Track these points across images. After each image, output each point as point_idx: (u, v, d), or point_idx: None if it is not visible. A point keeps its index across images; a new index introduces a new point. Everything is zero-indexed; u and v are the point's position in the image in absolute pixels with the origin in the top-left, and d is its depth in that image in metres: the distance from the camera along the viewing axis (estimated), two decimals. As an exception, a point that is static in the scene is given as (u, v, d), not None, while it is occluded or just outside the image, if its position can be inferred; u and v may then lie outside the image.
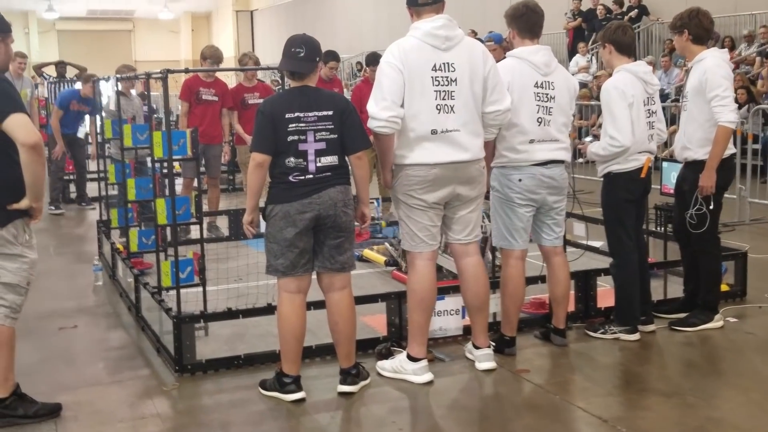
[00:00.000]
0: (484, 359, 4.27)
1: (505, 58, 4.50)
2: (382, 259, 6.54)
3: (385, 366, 4.26)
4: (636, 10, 15.42)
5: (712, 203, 4.69)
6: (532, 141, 4.34)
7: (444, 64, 3.98)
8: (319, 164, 3.85)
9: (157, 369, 4.45)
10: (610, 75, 4.75)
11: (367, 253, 6.79)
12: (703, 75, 4.61)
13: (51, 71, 13.22)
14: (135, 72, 6.42)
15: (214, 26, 37.49)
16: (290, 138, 3.83)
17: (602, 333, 4.71)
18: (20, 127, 3.44)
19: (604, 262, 6.23)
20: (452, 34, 4.02)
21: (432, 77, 3.95)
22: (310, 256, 3.94)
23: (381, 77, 3.98)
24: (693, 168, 4.73)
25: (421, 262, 4.14)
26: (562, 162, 4.45)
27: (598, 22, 16.04)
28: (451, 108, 3.98)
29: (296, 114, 3.84)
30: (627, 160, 4.60)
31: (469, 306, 4.32)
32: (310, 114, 3.85)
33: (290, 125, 3.83)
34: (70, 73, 12.86)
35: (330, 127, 3.87)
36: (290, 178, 3.84)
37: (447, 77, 3.98)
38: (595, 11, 16.21)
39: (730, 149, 4.77)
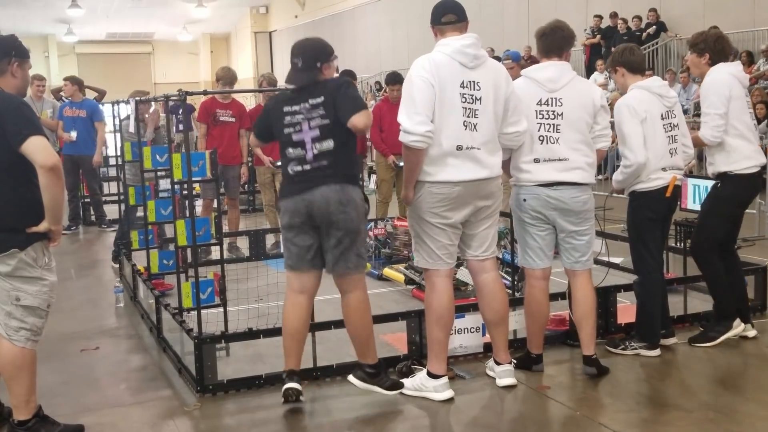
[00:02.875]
0: (505, 375, 4.25)
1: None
2: (401, 277, 6.54)
3: (406, 384, 4.26)
4: (654, 27, 15.40)
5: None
6: (536, 160, 4.28)
7: (470, 81, 3.99)
8: (315, 151, 3.88)
9: (178, 390, 4.47)
10: (622, 95, 4.76)
11: (387, 272, 6.79)
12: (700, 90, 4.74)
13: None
14: (148, 95, 6.46)
15: (233, 47, 37.84)
16: (285, 131, 3.95)
17: (623, 349, 4.67)
18: (39, 150, 3.49)
19: (624, 278, 6.22)
20: (479, 53, 4.06)
21: (460, 94, 3.97)
22: (314, 254, 3.99)
23: (413, 90, 3.94)
24: (723, 180, 4.76)
25: (439, 280, 4.14)
26: (576, 184, 4.30)
27: (619, 37, 16.00)
28: (475, 126, 3.99)
29: (293, 107, 3.95)
30: (650, 178, 4.54)
31: (488, 322, 4.31)
32: (303, 105, 3.92)
33: (285, 118, 3.95)
34: (89, 95, 13.02)
35: (322, 113, 3.90)
36: (289, 169, 3.96)
37: (473, 95, 3.99)
38: (615, 28, 16.18)
39: (753, 163, 4.74)
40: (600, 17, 16.38)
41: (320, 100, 3.93)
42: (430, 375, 4.16)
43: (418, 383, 4.19)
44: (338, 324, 4.25)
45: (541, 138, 4.27)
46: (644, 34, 15.42)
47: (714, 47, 4.78)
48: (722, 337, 4.74)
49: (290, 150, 3.98)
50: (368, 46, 26.33)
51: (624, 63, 4.68)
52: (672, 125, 4.60)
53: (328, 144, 3.91)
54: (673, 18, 15.34)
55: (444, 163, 3.97)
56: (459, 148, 3.97)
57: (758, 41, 13.14)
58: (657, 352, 4.62)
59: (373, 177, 10.53)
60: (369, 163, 11.95)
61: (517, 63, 7.61)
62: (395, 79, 8.14)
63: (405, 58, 23.23)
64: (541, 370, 4.47)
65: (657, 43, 15.23)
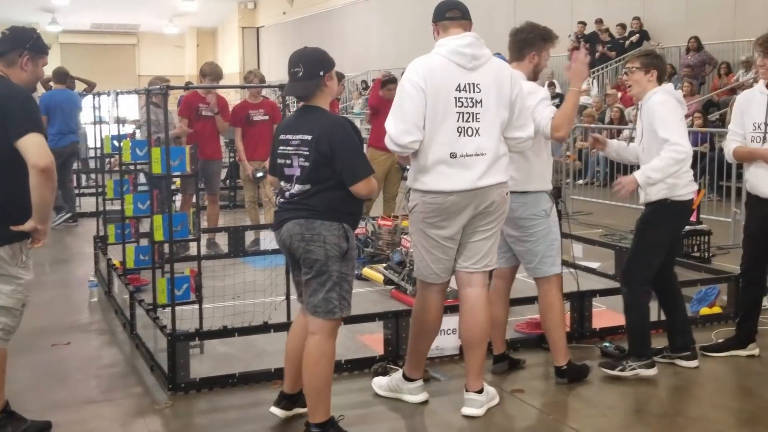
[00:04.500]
0: (470, 404, 3.96)
1: None
2: (381, 277, 6.52)
3: (381, 384, 4.23)
4: (637, 35, 15.48)
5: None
6: None
7: (469, 84, 3.80)
8: (294, 191, 3.58)
9: (150, 387, 4.42)
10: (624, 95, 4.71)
11: (366, 271, 6.77)
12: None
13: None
14: (168, 83, 6.18)
15: (220, 42, 37.68)
16: (279, 160, 3.67)
17: (621, 370, 4.39)
18: (35, 148, 3.42)
19: (599, 282, 6.25)
20: (479, 53, 3.85)
21: (456, 98, 3.77)
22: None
23: (403, 96, 3.79)
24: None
25: (430, 294, 4.02)
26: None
27: (601, 44, 16.09)
28: (476, 131, 3.80)
29: (287, 136, 3.62)
30: (685, 186, 4.37)
31: (463, 341, 4.07)
32: (296, 137, 3.58)
33: (280, 147, 3.66)
34: (79, 87, 12.91)
35: (305, 153, 3.53)
36: (277, 201, 3.75)
37: (472, 98, 3.80)
38: (598, 35, 16.25)
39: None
40: (584, 24, 16.43)
41: (309, 137, 3.53)
42: (406, 378, 4.13)
43: (393, 384, 4.17)
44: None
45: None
46: (627, 42, 15.50)
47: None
48: (631, 373, 4.42)
49: (282, 183, 3.67)
50: (356, 45, 26.28)
51: (659, 68, 4.44)
52: None
53: (306, 187, 3.55)
54: (656, 27, 15.43)
55: (437, 172, 3.80)
56: (453, 155, 3.78)
57: (738, 52, 13.25)
58: (655, 371, 4.43)
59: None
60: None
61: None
62: (395, 80, 8.20)
63: (393, 58, 23.20)
64: (498, 372, 4.49)
65: (641, 51, 15.30)
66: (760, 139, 4.31)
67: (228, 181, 11.53)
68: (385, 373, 4.41)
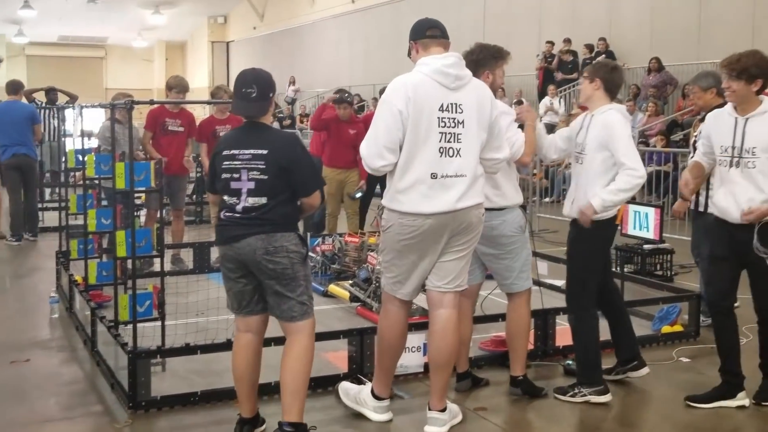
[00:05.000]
0: (433, 423, 3.95)
1: None
2: (347, 294, 6.50)
3: (348, 392, 4.20)
4: (603, 56, 15.71)
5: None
6: None
7: (452, 104, 3.78)
8: (246, 204, 3.65)
9: (110, 405, 4.36)
10: (565, 121, 4.73)
11: (332, 288, 6.75)
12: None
13: (41, 97, 13.12)
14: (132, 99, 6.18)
15: (189, 56, 37.52)
16: (224, 175, 3.72)
17: (571, 396, 4.40)
18: None
19: (564, 300, 6.25)
20: (462, 73, 3.85)
21: (438, 118, 3.75)
22: (253, 298, 3.79)
23: (378, 117, 3.79)
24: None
25: (394, 308, 3.99)
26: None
27: (565, 65, 16.31)
28: (457, 151, 3.78)
29: (232, 151, 3.70)
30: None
31: (430, 361, 4.06)
32: (246, 152, 3.67)
33: (224, 162, 3.72)
34: (61, 99, 12.77)
35: (261, 167, 3.64)
36: (221, 215, 3.77)
37: (454, 118, 3.78)
38: (563, 56, 16.46)
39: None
40: (552, 43, 16.64)
41: (264, 152, 3.65)
42: (374, 395, 4.10)
43: (360, 397, 4.14)
44: (278, 341, 4.19)
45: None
46: (598, 59, 15.73)
47: (766, 72, 4.19)
48: (581, 399, 4.39)
49: (226, 197, 3.74)
50: (327, 61, 26.33)
51: (606, 79, 4.42)
52: None
53: (261, 200, 3.65)
54: (621, 48, 15.67)
55: (416, 192, 3.76)
56: (433, 176, 3.75)
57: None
58: (608, 397, 4.38)
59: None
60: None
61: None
62: (341, 100, 8.47)
63: (362, 75, 23.33)
64: (461, 390, 4.51)
65: (607, 71, 15.52)
66: (727, 162, 4.24)
67: (194, 196, 11.46)
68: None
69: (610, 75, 4.43)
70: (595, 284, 4.45)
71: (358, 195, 8.60)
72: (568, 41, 16.42)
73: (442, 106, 3.77)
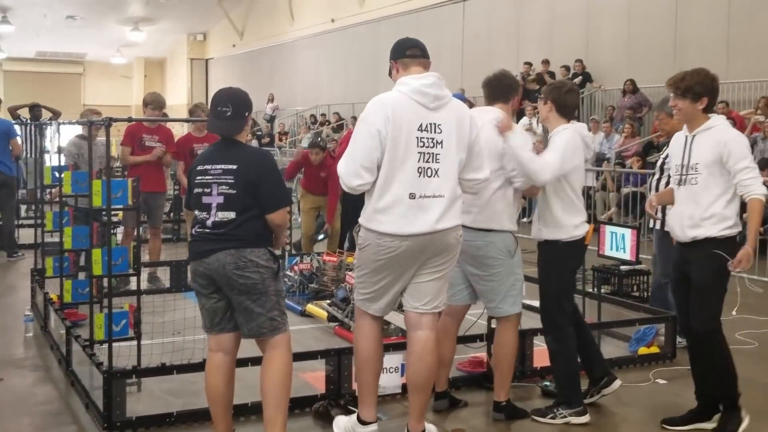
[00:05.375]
0: None
1: None
2: (324, 314, 6.48)
3: (339, 423, 4.14)
4: (581, 77, 15.89)
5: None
6: None
7: (431, 124, 3.77)
8: (216, 219, 3.67)
9: (84, 426, 4.31)
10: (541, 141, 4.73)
11: (310, 308, 6.73)
12: (725, 146, 4.10)
13: (25, 113, 13.02)
14: (100, 116, 6.21)
15: (168, 73, 37.43)
16: (196, 190, 3.76)
17: (551, 418, 4.38)
18: None
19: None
20: (442, 93, 3.83)
21: (417, 137, 3.74)
22: (225, 315, 3.78)
23: (357, 136, 3.79)
24: (707, 246, 4.14)
25: (367, 322, 3.97)
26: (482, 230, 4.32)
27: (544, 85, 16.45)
28: (435, 172, 3.77)
29: (205, 167, 3.75)
30: (577, 228, 4.39)
31: (408, 383, 4.02)
32: (217, 167, 3.71)
33: (197, 177, 3.76)
34: (45, 115, 12.68)
35: (230, 181, 3.67)
36: (193, 230, 3.79)
37: (432, 139, 3.76)
38: (543, 76, 16.62)
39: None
40: (530, 64, 16.80)
41: (233, 167, 3.68)
42: (360, 420, 4.01)
43: (349, 426, 4.06)
44: (255, 361, 4.17)
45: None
46: (553, 81, 15.91)
47: (713, 91, 4.22)
48: (561, 421, 4.39)
49: (197, 212, 3.76)
50: (306, 79, 26.39)
51: (558, 101, 4.46)
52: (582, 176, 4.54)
53: (230, 215, 3.66)
54: (598, 69, 15.85)
55: (395, 213, 3.74)
56: (412, 196, 3.74)
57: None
58: (586, 418, 4.39)
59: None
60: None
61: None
62: (314, 145, 8.60)
63: (341, 94, 23.41)
64: (439, 409, 4.50)
65: (582, 93, 15.70)
66: (677, 181, 4.28)
67: (171, 214, 11.39)
68: (326, 412, 4.36)
69: (561, 97, 4.46)
70: (570, 304, 4.47)
71: (321, 237, 8.76)
72: (546, 62, 16.58)
73: (420, 126, 3.76)
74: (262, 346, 3.79)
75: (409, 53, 3.91)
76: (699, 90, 4.13)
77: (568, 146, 4.32)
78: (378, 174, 3.76)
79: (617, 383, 4.63)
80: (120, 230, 7.53)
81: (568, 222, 4.38)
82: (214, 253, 3.67)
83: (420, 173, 3.75)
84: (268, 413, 3.72)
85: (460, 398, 4.66)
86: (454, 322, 4.52)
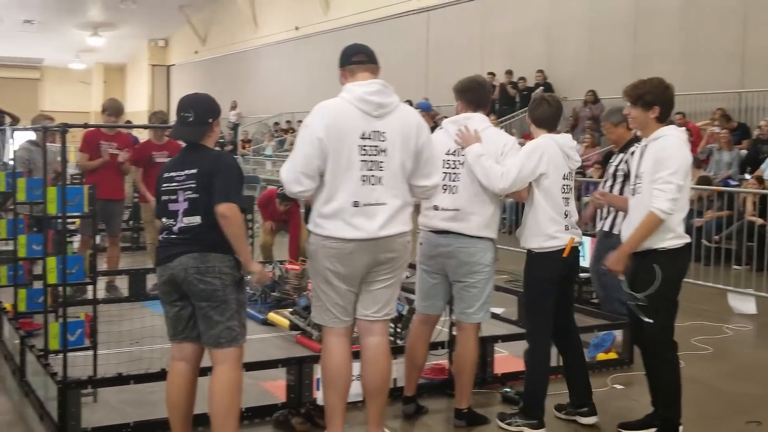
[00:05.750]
0: None
1: (432, 125, 4.51)
2: (286, 323, 6.44)
3: None
4: (542, 88, 16.07)
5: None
6: (435, 207, 4.32)
7: (374, 132, 3.74)
8: (182, 224, 3.65)
9: (38, 437, 4.22)
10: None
11: (271, 316, 6.68)
12: (661, 154, 4.07)
13: None
14: (53, 122, 6.13)
15: (129, 79, 37.08)
16: (163, 197, 3.73)
17: (507, 424, 4.39)
18: None
19: (502, 328, 6.35)
20: (386, 101, 3.79)
21: (360, 146, 3.71)
22: (188, 324, 3.73)
23: (299, 143, 3.77)
24: (649, 258, 4.11)
25: (333, 339, 3.89)
26: (464, 235, 4.31)
27: (506, 96, 16.61)
28: (379, 179, 3.74)
29: (171, 174, 3.72)
30: (550, 237, 4.33)
31: (364, 390, 3.99)
32: (182, 173, 3.69)
33: (163, 185, 3.73)
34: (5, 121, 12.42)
35: (193, 186, 3.64)
36: (160, 237, 3.77)
37: (376, 146, 3.74)
38: (505, 86, 16.79)
39: (684, 238, 4.17)
40: (493, 74, 16.95)
41: (194, 171, 3.65)
42: None
43: None
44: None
45: (444, 187, 4.29)
46: (532, 95, 16.06)
47: (665, 99, 4.19)
48: (515, 429, 4.39)
49: (165, 219, 3.72)
50: (269, 87, 26.32)
51: (530, 115, 4.51)
52: (568, 187, 4.45)
53: (195, 219, 3.63)
54: (560, 80, 16.06)
55: (339, 219, 3.73)
56: (356, 204, 3.72)
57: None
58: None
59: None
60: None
61: (427, 112, 7.75)
62: (284, 197, 8.36)
63: (305, 101, 23.28)
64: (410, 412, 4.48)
65: (545, 102, 15.88)
66: (630, 190, 4.29)
67: (130, 222, 11.25)
68: (286, 421, 4.33)
69: (533, 111, 4.48)
70: (542, 318, 4.39)
71: None
72: (509, 73, 16.75)
73: (363, 134, 3.73)
74: (212, 358, 3.71)
75: (355, 60, 3.88)
76: (650, 99, 4.12)
77: (533, 155, 4.31)
78: (321, 180, 3.76)
79: (593, 419, 4.52)
80: (77, 238, 7.41)
81: (538, 231, 4.36)
82: (177, 256, 3.63)
83: (364, 181, 3.73)
84: (215, 431, 3.66)
85: (423, 404, 4.65)
86: (429, 329, 4.54)
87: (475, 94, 4.46)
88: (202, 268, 3.60)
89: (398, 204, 3.82)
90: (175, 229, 3.68)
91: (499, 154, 4.32)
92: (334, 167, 3.72)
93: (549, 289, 4.37)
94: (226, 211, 3.56)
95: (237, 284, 3.68)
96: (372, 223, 3.74)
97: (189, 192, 3.65)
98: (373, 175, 3.75)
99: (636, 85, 4.20)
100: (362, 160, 3.73)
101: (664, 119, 4.18)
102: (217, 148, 3.90)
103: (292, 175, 3.75)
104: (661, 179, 3.99)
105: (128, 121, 8.95)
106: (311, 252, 3.88)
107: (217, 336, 3.64)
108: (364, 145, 3.73)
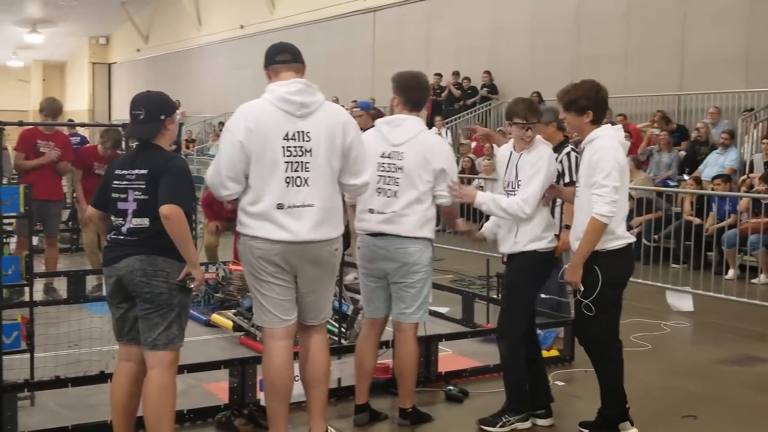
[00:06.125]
0: None
1: (372, 126, 4.41)
2: (230, 324, 6.37)
3: None
4: (487, 89, 16.25)
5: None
6: (371, 211, 4.28)
7: (298, 132, 3.67)
8: (131, 225, 3.59)
9: (-29, 443, 4.10)
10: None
11: (215, 317, 6.61)
12: (593, 156, 4.09)
13: None
14: None
15: (69, 77, 36.31)
16: (113, 195, 3.66)
17: (501, 426, 4.35)
18: None
19: (446, 327, 6.38)
20: (309, 101, 3.71)
21: (283, 147, 3.64)
22: (135, 325, 3.67)
23: (222, 147, 3.73)
24: (589, 260, 4.12)
25: (272, 342, 3.81)
26: (399, 236, 4.26)
27: (452, 96, 16.71)
28: (305, 181, 3.67)
29: (123, 171, 3.65)
30: (552, 240, 4.38)
31: (303, 383, 3.98)
32: (132, 172, 3.62)
33: (114, 182, 3.66)
34: None
35: (142, 187, 3.58)
36: (108, 237, 3.70)
37: (301, 147, 3.66)
38: (450, 88, 16.87)
39: (623, 239, 4.18)
40: (440, 75, 17.05)
41: (144, 172, 3.59)
42: None
43: None
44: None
45: (379, 190, 4.25)
46: (477, 96, 16.24)
47: (598, 102, 4.18)
48: (510, 428, 4.39)
49: (113, 218, 3.66)
50: (214, 86, 26.03)
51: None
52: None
53: (144, 222, 3.57)
54: (505, 81, 16.24)
55: (265, 219, 3.67)
56: (280, 206, 3.66)
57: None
58: (529, 423, 4.41)
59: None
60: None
61: (367, 112, 7.72)
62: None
63: (250, 100, 23.15)
64: (360, 423, 4.43)
65: (490, 104, 16.06)
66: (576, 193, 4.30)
67: (70, 223, 11.00)
68: (229, 423, 4.29)
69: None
70: (528, 314, 4.44)
71: None
72: (456, 74, 16.86)
73: (287, 135, 3.66)
74: (147, 361, 3.64)
75: (279, 59, 3.81)
76: (583, 103, 4.11)
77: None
78: (247, 182, 3.70)
79: (550, 421, 4.52)
80: (14, 239, 7.22)
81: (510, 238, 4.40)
82: (124, 258, 3.58)
83: (288, 183, 3.66)
84: None
85: (380, 411, 4.56)
86: (375, 334, 4.49)
87: (414, 95, 4.36)
88: (149, 271, 3.54)
89: (326, 205, 3.75)
90: (123, 229, 3.61)
91: (437, 169, 4.25)
92: (258, 170, 3.66)
93: (516, 293, 4.42)
94: (168, 212, 3.49)
95: (183, 289, 3.62)
96: (300, 225, 3.68)
97: (138, 193, 3.58)
98: (298, 177, 3.68)
99: (567, 90, 4.19)
100: (286, 162, 3.66)
101: (599, 121, 4.18)
102: (174, 146, 3.84)
103: (217, 179, 3.71)
104: (597, 184, 4.01)
105: (70, 119, 8.76)
106: (241, 252, 3.83)
107: (155, 338, 3.58)
108: (288, 146, 3.66)
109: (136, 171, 3.61)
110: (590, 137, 4.14)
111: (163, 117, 3.69)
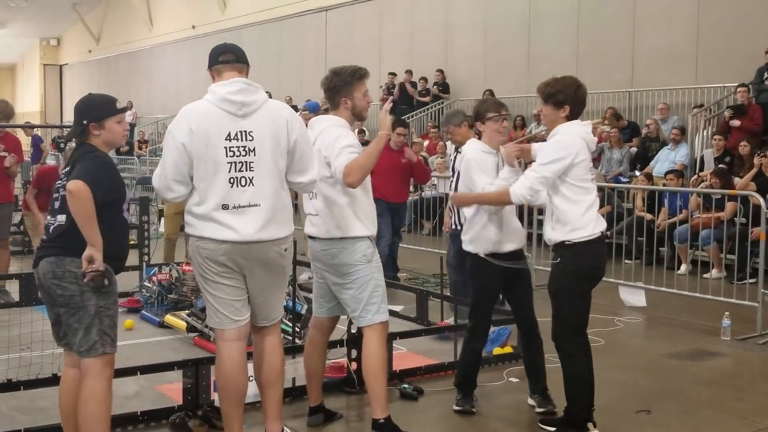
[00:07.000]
0: None
1: None
2: (183, 324, 6.34)
3: None
4: (440, 88, 16.34)
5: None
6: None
7: (240, 132, 3.64)
8: (53, 224, 3.56)
9: None
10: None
11: (168, 318, 6.57)
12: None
13: None
14: None
15: (20, 79, 35.61)
16: (54, 194, 3.65)
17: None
18: None
19: (401, 325, 6.40)
20: (250, 100, 3.68)
21: (226, 147, 3.61)
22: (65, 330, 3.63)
23: (165, 150, 3.72)
24: (557, 251, 4.20)
25: (224, 344, 3.78)
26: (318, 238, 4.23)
27: (406, 96, 16.75)
28: (250, 180, 3.64)
29: (62, 173, 3.66)
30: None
31: (258, 383, 3.99)
32: (63, 171, 3.65)
33: (56, 183, 3.67)
34: None
35: (65, 183, 3.50)
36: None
37: (244, 147, 3.63)
38: (404, 86, 16.93)
39: (584, 230, 4.16)
40: (394, 74, 17.09)
41: (68, 168, 3.58)
42: None
43: None
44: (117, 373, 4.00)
45: (311, 193, 4.23)
46: (430, 95, 16.34)
47: (576, 99, 4.22)
48: None
49: (49, 217, 3.63)
50: (166, 86, 25.76)
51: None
52: None
53: (61, 218, 3.52)
54: (458, 80, 16.35)
55: (211, 220, 3.64)
56: (225, 207, 3.63)
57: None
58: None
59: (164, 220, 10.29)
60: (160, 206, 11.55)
61: (315, 113, 7.71)
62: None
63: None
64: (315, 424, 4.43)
65: (443, 103, 16.15)
66: None
67: (22, 226, 10.80)
68: (183, 424, 4.27)
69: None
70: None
71: None
72: (409, 72, 16.92)
73: (229, 135, 3.63)
74: (81, 368, 3.55)
75: (221, 59, 3.78)
76: (561, 98, 4.16)
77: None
78: (193, 184, 3.69)
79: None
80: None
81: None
82: (40, 260, 3.55)
83: (233, 183, 3.64)
84: None
85: (335, 411, 4.57)
86: (321, 334, 4.45)
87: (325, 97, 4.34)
88: (58, 272, 3.48)
89: (273, 204, 3.71)
90: (50, 229, 3.59)
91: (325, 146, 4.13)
92: (202, 171, 3.64)
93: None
94: (74, 186, 3.38)
95: (96, 290, 3.48)
96: (246, 225, 3.65)
97: (62, 189, 3.53)
98: (243, 177, 3.65)
99: (548, 83, 4.23)
100: (229, 162, 3.63)
101: (574, 117, 4.23)
102: (127, 147, 3.82)
103: (163, 182, 3.70)
104: (531, 167, 4.11)
105: (27, 122, 8.61)
106: (191, 252, 3.81)
107: (78, 345, 3.50)
108: (231, 147, 3.63)
109: (65, 170, 3.63)
110: (554, 131, 4.22)
111: (85, 122, 3.60)
